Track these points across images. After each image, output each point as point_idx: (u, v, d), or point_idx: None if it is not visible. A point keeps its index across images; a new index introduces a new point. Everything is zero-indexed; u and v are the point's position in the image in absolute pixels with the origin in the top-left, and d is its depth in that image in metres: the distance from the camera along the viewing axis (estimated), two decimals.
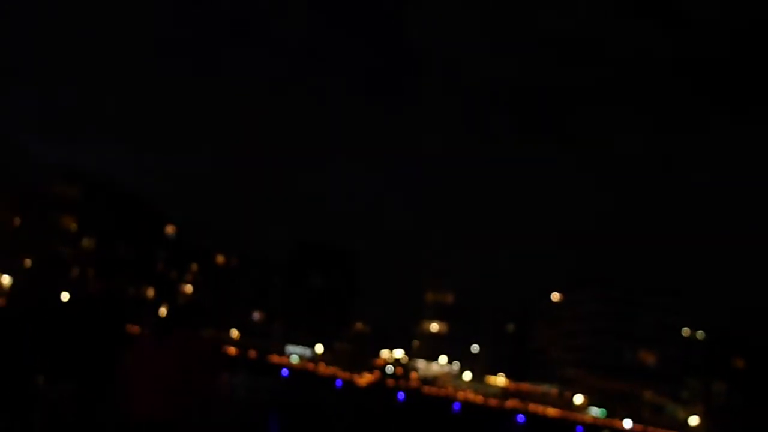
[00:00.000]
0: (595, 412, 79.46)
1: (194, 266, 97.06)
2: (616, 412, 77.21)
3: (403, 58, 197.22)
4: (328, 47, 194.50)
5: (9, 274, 69.79)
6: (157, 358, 3.70)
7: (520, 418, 63.13)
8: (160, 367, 3.68)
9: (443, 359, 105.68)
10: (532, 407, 71.36)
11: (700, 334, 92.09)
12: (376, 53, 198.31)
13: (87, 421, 3.61)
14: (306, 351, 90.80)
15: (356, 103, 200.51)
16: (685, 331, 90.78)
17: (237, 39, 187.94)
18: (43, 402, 3.54)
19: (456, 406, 63.01)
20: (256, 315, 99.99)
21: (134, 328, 3.90)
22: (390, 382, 73.77)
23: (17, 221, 77.94)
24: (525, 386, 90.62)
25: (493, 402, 71.25)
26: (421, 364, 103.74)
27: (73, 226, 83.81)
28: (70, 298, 3.83)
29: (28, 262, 76.82)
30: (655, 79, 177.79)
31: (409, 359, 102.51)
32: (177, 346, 3.75)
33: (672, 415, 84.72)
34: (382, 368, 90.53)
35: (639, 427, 68.98)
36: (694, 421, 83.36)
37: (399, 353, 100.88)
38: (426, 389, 73.05)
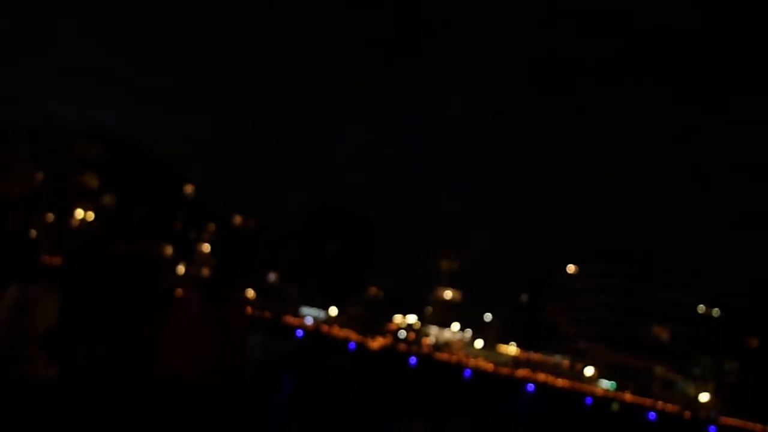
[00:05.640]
0: (606, 384, 79.91)
1: (212, 227, 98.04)
2: (626, 386, 77.64)
3: (421, 28, 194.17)
4: (345, 15, 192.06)
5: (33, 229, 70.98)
6: (201, 318, 3.70)
7: (530, 387, 63.68)
8: (203, 327, 3.67)
9: (455, 326, 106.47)
10: (542, 377, 71.89)
11: (715, 311, 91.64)
12: (394, 23, 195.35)
13: (118, 382, 3.61)
14: (320, 313, 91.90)
15: (376, 73, 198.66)
16: (701, 309, 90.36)
17: (255, 4, 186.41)
18: (77, 364, 3.53)
19: (467, 372, 63.65)
20: (272, 276, 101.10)
21: (161, 288, 3.90)
22: (402, 346, 74.57)
23: (39, 177, 78.93)
24: (536, 356, 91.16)
25: (503, 370, 71.87)
26: (433, 330, 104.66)
27: (94, 183, 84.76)
28: (106, 257, 3.81)
29: (50, 216, 78.11)
30: (677, 52, 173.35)
31: (422, 325, 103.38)
32: (221, 306, 3.78)
33: (683, 391, 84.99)
34: (394, 333, 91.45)
35: (648, 401, 69.37)
36: (704, 397, 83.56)
37: (412, 319, 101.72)
38: (437, 355, 73.81)
